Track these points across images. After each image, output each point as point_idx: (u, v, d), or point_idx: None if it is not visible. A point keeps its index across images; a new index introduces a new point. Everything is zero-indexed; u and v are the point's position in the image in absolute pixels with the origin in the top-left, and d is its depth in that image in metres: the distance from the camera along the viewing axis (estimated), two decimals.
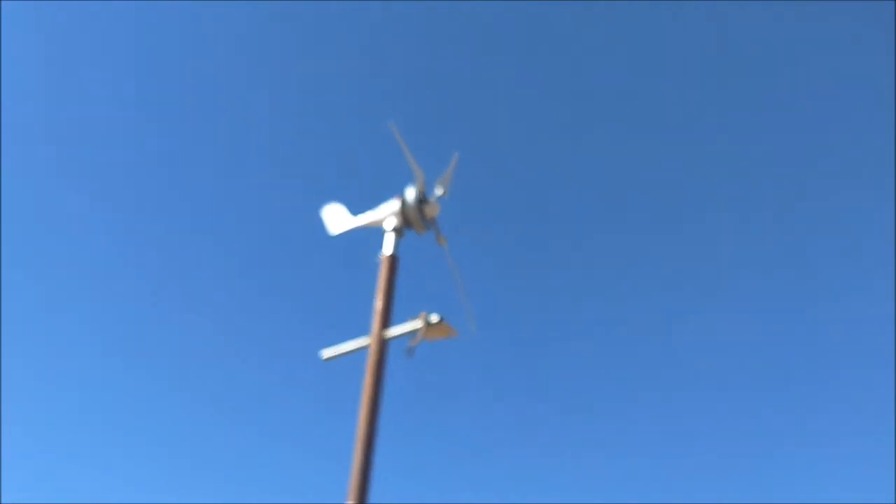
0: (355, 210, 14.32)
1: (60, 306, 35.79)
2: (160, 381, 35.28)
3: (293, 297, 37.02)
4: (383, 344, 12.49)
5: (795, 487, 33.75)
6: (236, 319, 37.11)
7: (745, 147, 39.34)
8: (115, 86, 37.33)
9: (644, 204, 39.51)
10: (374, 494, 11.75)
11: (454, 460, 34.68)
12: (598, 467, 35.42)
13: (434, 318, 12.44)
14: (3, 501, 26.53)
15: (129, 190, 37.28)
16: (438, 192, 13.79)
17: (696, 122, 39.98)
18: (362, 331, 12.81)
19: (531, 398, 36.74)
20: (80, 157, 37.02)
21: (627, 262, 39.38)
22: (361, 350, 12.68)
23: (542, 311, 38.52)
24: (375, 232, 13.77)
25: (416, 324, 12.45)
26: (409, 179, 13.72)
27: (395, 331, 12.58)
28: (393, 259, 13.19)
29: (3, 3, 31.20)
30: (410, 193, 13.52)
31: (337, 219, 14.40)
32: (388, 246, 13.30)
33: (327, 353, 13.06)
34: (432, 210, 13.55)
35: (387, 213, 13.61)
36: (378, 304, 12.81)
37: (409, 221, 13.52)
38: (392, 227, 13.41)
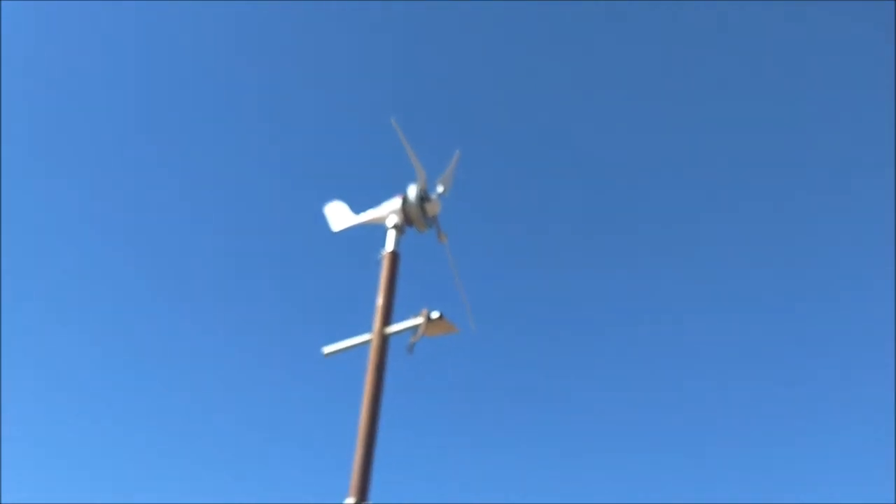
0: (357, 208, 14.44)
1: (60, 304, 35.89)
2: (160, 378, 35.38)
3: (295, 293, 37.15)
4: (384, 340, 12.58)
5: (795, 487, 33.79)
6: (238, 316, 37.21)
7: (745, 145, 39.38)
8: (116, 83, 37.44)
9: (645, 200, 39.58)
10: (375, 490, 11.84)
11: (454, 455, 34.76)
12: (598, 464, 35.47)
13: (435, 314, 12.54)
14: (3, 501, 26.58)
15: (131, 187, 37.39)
16: (440, 189, 13.90)
17: (696, 120, 40.05)
18: (364, 327, 12.92)
19: (531, 394, 36.83)
20: (80, 154, 37.14)
21: (628, 259, 39.45)
22: (363, 346, 12.78)
23: (541, 307, 38.60)
24: (377, 229, 13.88)
25: (417, 320, 12.55)
26: (410, 177, 13.84)
27: (396, 327, 12.68)
28: (394, 256, 13.29)
29: (2, 3, 31.31)
30: (412, 191, 13.62)
31: (339, 216, 14.51)
32: (389, 243, 13.41)
33: (329, 349, 13.16)
34: (433, 208, 13.65)
35: (388, 211, 13.72)
36: (379, 300, 12.91)
37: (410, 219, 13.62)
38: (393, 225, 13.51)
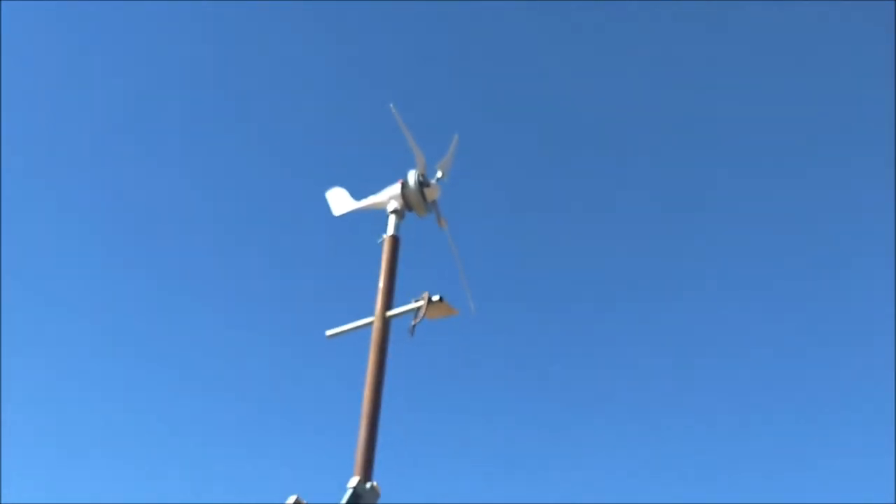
0: (358, 194, 14.65)
1: (60, 300, 36.09)
2: (163, 361, 35.61)
3: (297, 277, 37.39)
4: (386, 322, 12.82)
5: (796, 487, 33.96)
6: (241, 300, 37.45)
7: (743, 144, 39.51)
8: (114, 73, 37.57)
9: (647, 187, 39.74)
10: (379, 469, 12.06)
11: (455, 434, 35.03)
12: (597, 442, 35.72)
13: (435, 297, 12.76)
14: (3, 502, 26.70)
15: (133, 170, 37.55)
16: (439, 174, 14.10)
17: (696, 114, 40.14)
18: (366, 310, 13.15)
19: (531, 375, 37.10)
20: (80, 150, 37.29)
21: (629, 242, 39.63)
22: (365, 328, 13.02)
23: (541, 289, 38.82)
24: (377, 214, 14.09)
25: (418, 303, 12.78)
26: (410, 162, 14.04)
27: (397, 310, 12.91)
28: (395, 240, 13.50)
29: (2, 3, 31.42)
30: (411, 176, 13.82)
31: (340, 202, 14.73)
32: (390, 227, 13.61)
33: (331, 331, 13.40)
34: (433, 192, 13.86)
35: (388, 196, 13.92)
36: (381, 283, 13.14)
37: (410, 204, 13.82)
38: (393, 210, 13.71)
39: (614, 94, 40.51)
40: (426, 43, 40.16)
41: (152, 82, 38.09)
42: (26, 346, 34.67)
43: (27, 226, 35.84)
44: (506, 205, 39.62)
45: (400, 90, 37.70)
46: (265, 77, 39.11)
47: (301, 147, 39.14)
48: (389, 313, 12.90)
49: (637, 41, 39.95)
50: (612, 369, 38.06)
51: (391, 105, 13.78)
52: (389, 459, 12.55)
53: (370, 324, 12.93)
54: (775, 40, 39.28)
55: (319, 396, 36.14)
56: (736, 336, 38.43)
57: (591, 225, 40.17)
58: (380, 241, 13.56)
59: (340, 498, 11.00)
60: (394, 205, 13.75)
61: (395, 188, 13.85)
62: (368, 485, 11.27)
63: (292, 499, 10.92)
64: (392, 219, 13.68)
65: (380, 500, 11.32)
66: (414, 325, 12.71)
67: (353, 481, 11.29)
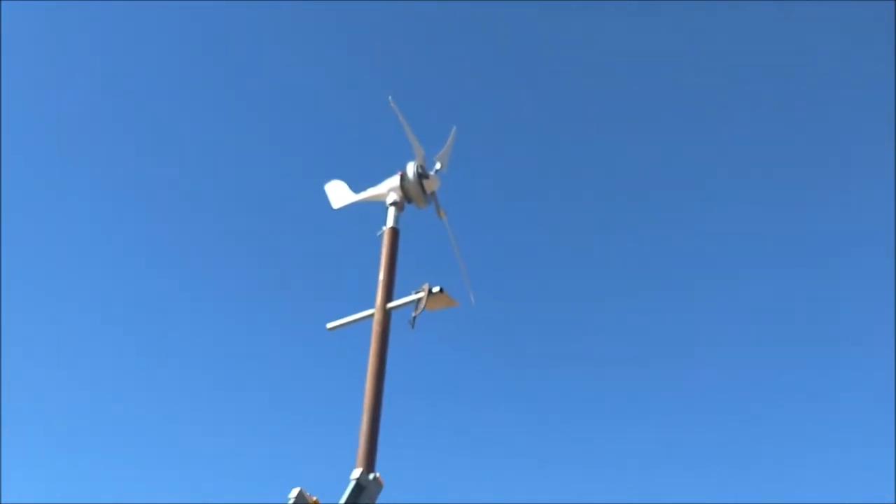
0: (357, 187, 14.65)
1: (60, 300, 36.12)
2: (168, 355, 35.68)
3: (298, 270, 37.44)
4: (387, 314, 12.85)
5: (796, 487, 34.03)
6: (243, 293, 37.52)
7: (743, 146, 39.54)
8: (114, 73, 37.56)
9: (647, 180, 39.78)
10: (381, 460, 12.11)
11: (456, 423, 35.14)
12: (597, 433, 35.81)
13: (436, 289, 12.78)
14: (3, 502, 26.72)
15: (136, 168, 37.56)
16: (438, 166, 14.12)
17: (696, 114, 40.16)
18: (367, 302, 13.18)
19: (530, 365, 37.19)
20: (80, 150, 37.30)
21: (629, 237, 39.68)
22: (366, 320, 13.04)
23: (540, 280, 38.90)
24: (377, 206, 14.10)
25: (419, 295, 12.80)
26: (409, 155, 14.05)
27: (398, 301, 12.94)
28: (394, 232, 13.52)
29: (2, 3, 31.37)
30: (411, 168, 13.83)
31: (339, 194, 14.73)
32: (389, 220, 13.62)
33: (332, 324, 13.42)
34: (432, 184, 13.88)
35: (388, 188, 13.93)
36: (381, 275, 13.16)
37: (409, 196, 13.84)
38: (393, 202, 13.72)
39: (613, 85, 40.52)
40: (425, 36, 40.14)
41: (152, 74, 38.09)
42: (26, 347, 34.72)
43: (26, 225, 35.86)
44: (505, 196, 39.67)
45: (399, 83, 37.67)
46: (263, 71, 39.10)
47: (300, 140, 39.15)
48: (390, 305, 12.93)
49: (636, 35, 39.96)
50: (611, 360, 38.15)
51: (390, 98, 13.80)
52: (392, 451, 12.61)
53: (371, 316, 12.96)
54: (775, 40, 39.29)
55: (321, 389, 36.23)
56: (736, 336, 38.53)
57: (591, 216, 40.23)
58: (379, 233, 13.58)
59: (343, 489, 11.05)
60: (393, 197, 13.76)
61: (395, 180, 13.86)
62: (371, 476, 11.32)
63: (296, 491, 10.96)
64: (391, 211, 13.69)
65: (382, 491, 11.37)
66: (414, 317, 12.75)
67: (356, 472, 11.33)
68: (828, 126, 39.27)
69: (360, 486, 11.12)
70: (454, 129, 14.42)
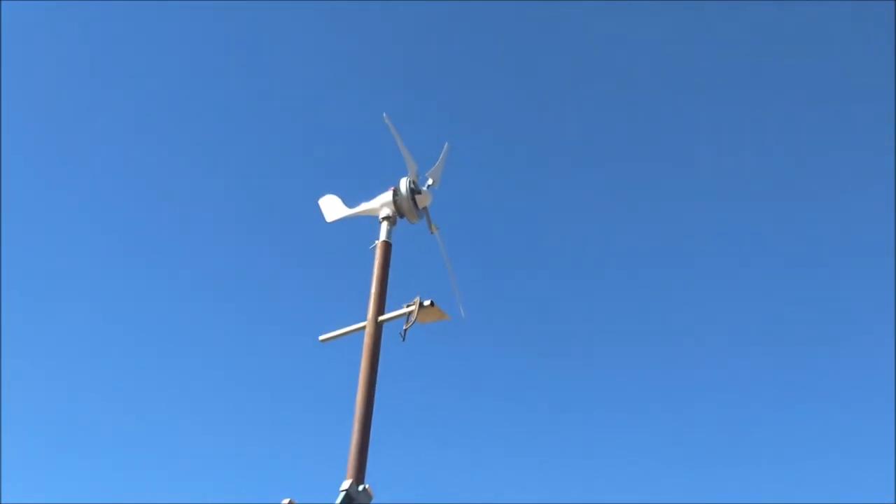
0: (350, 201, 14.82)
1: (60, 301, 36.16)
2: (157, 366, 35.71)
3: (291, 282, 37.54)
4: (378, 327, 13.00)
5: (795, 487, 34.12)
6: (235, 305, 37.58)
7: (742, 147, 39.77)
8: (114, 81, 37.71)
9: (640, 193, 39.98)
10: (371, 472, 12.21)
11: (447, 437, 35.20)
12: (588, 448, 35.88)
13: (427, 302, 12.93)
14: (3, 502, 26.76)
15: (130, 182, 37.67)
16: (430, 182, 14.31)
17: (693, 119, 40.41)
18: (358, 315, 13.32)
19: (521, 379, 37.28)
20: (80, 152, 37.40)
21: (619, 250, 39.85)
22: (357, 333, 13.18)
23: (531, 294, 39.03)
24: (370, 221, 14.27)
25: (410, 308, 12.95)
26: (402, 170, 14.23)
27: (389, 314, 13.08)
28: (387, 245, 13.69)
29: (2, 3, 31.54)
30: (403, 184, 14.01)
31: (332, 208, 14.91)
32: (382, 234, 13.80)
33: (324, 336, 13.56)
34: (424, 199, 14.06)
35: (380, 203, 14.11)
36: (373, 288, 13.32)
37: (401, 211, 14.01)
38: (385, 216, 13.90)
39: (605, 99, 40.77)
40: (419, 52, 40.38)
41: (150, 83, 38.24)
42: (26, 347, 34.78)
43: (26, 225, 35.96)
44: (496, 211, 39.86)
45: (392, 98, 37.91)
46: (255, 86, 39.30)
47: (294, 154, 39.31)
48: (382, 318, 13.08)
49: (631, 38, 40.20)
50: (604, 372, 38.27)
51: (384, 114, 14.00)
52: (382, 462, 12.73)
53: (363, 328, 13.10)
54: (775, 40, 39.56)
55: (312, 400, 36.28)
56: (736, 336, 38.69)
57: (582, 229, 40.40)
58: (372, 246, 13.75)
59: (333, 500, 11.15)
60: (386, 211, 13.95)
61: (387, 195, 14.04)
62: (361, 487, 11.43)
63: (286, 501, 11.07)
64: (384, 225, 13.88)
65: (372, 503, 11.48)
66: (405, 330, 12.89)
67: (346, 484, 11.43)
68: (828, 126, 39.56)
69: (349, 498, 11.23)
70: (447, 145, 14.62)
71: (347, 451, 12.13)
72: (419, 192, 14.03)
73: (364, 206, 14.39)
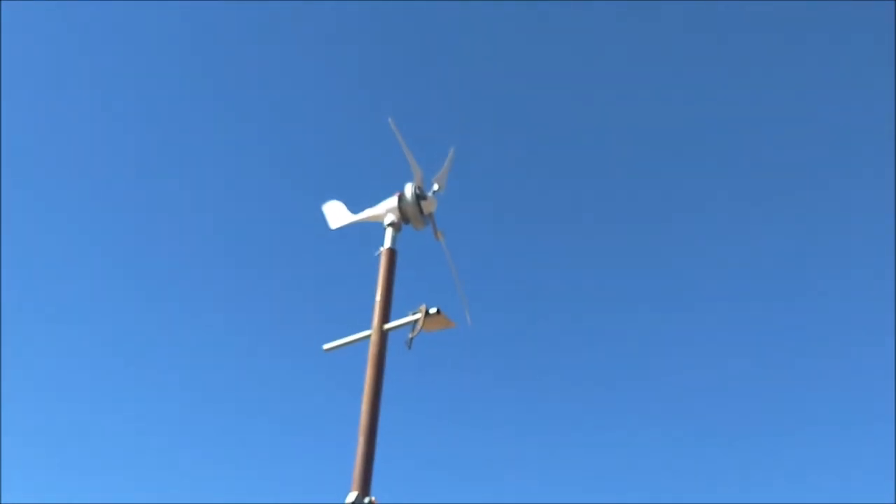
0: (355, 207, 14.66)
1: (61, 306, 36.03)
2: (161, 375, 35.55)
3: (295, 289, 37.40)
4: (383, 335, 12.81)
5: (795, 487, 33.98)
6: (239, 313, 37.41)
7: (742, 146, 39.62)
8: (114, 84, 37.58)
9: (642, 198, 39.82)
10: (377, 484, 12.05)
11: (453, 447, 35.00)
12: (594, 457, 35.71)
13: (433, 310, 12.76)
14: (3, 502, 26.71)
15: (131, 188, 37.54)
16: (435, 187, 14.13)
17: (694, 121, 40.27)
18: (363, 323, 13.15)
19: (527, 387, 37.09)
20: (80, 156, 37.27)
21: (625, 254, 39.69)
22: (362, 341, 13.01)
23: (537, 301, 38.85)
24: (374, 227, 14.11)
25: (416, 316, 12.78)
26: (407, 176, 14.06)
27: (394, 322, 12.90)
28: (392, 252, 13.52)
29: (2, 2, 31.42)
30: (408, 189, 13.84)
31: (337, 214, 14.74)
32: (387, 240, 13.63)
33: (329, 345, 13.39)
34: (429, 205, 13.88)
35: (385, 209, 13.94)
36: (378, 296, 13.14)
37: (407, 217, 13.85)
38: (390, 223, 13.74)
39: (611, 104, 40.62)
40: (424, 56, 40.23)
41: (151, 87, 38.11)
42: (26, 347, 34.67)
43: (26, 227, 35.84)
44: (502, 217, 39.70)
45: (397, 103, 37.76)
46: (261, 91, 39.15)
47: (298, 160, 39.17)
48: (387, 326, 12.90)
49: (633, 40, 40.09)
50: (609, 379, 38.07)
51: (390, 119, 13.83)
52: (388, 473, 12.54)
53: (368, 337, 12.93)
54: (775, 40, 39.44)
55: (317, 410, 36.11)
56: (735, 336, 38.54)
57: (587, 236, 40.23)
58: (377, 253, 13.58)
59: None
60: (391, 218, 13.77)
61: (392, 201, 13.87)
62: (366, 499, 11.26)
63: (353, 494, 10.91)
64: (389, 232, 13.70)
65: None
66: (411, 338, 12.71)
67: (352, 496, 11.28)
68: (828, 126, 39.45)
69: None
70: (452, 150, 14.45)
71: (353, 462, 11.96)
72: (424, 198, 13.85)
73: (369, 213, 14.22)
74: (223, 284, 37.88)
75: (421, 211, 13.78)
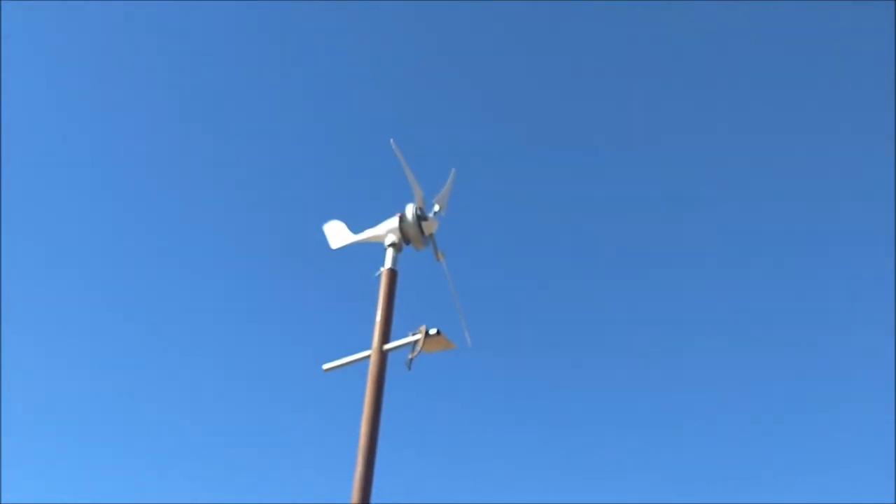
0: (356, 227, 14.67)
1: (61, 309, 36.01)
2: (161, 393, 35.48)
3: (295, 309, 37.37)
4: (383, 356, 12.79)
5: (795, 487, 33.86)
6: (239, 332, 37.37)
7: (742, 147, 39.67)
8: (116, 88, 37.69)
9: (644, 216, 39.84)
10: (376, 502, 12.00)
11: (453, 467, 34.87)
12: (596, 476, 35.56)
13: (433, 331, 12.75)
14: (3, 502, 26.64)
15: (131, 206, 37.59)
16: (436, 208, 14.15)
17: (694, 125, 40.34)
18: (363, 343, 13.13)
19: (528, 408, 37.00)
20: (80, 160, 37.35)
21: (626, 273, 39.65)
22: (362, 362, 12.99)
23: (537, 323, 38.81)
24: (375, 247, 14.11)
25: (416, 336, 12.76)
26: (408, 196, 14.09)
27: (394, 343, 12.88)
28: (392, 273, 13.51)
29: (2, 2, 31.55)
30: (409, 210, 13.86)
31: (337, 235, 14.74)
32: (387, 261, 13.63)
33: (328, 365, 13.36)
34: (430, 226, 13.89)
35: (386, 230, 13.95)
36: (378, 316, 13.13)
37: (407, 237, 13.85)
38: (391, 243, 13.74)
39: (616, 121, 40.71)
40: (425, 78, 40.37)
41: (152, 102, 38.24)
42: (26, 347, 34.64)
43: (27, 226, 35.88)
44: (502, 239, 39.71)
45: (399, 124, 37.88)
46: (262, 109, 39.28)
47: (299, 181, 39.24)
48: (387, 347, 12.88)
49: (635, 43, 40.19)
50: (610, 399, 37.97)
51: (391, 140, 13.86)
52: (386, 494, 12.49)
53: (367, 357, 12.90)
54: (775, 40, 39.55)
55: (316, 431, 36.00)
56: (735, 337, 38.49)
57: (589, 257, 40.22)
58: (377, 274, 13.58)
59: None
60: (391, 238, 13.78)
61: (393, 222, 13.88)
62: None
63: None
64: (390, 252, 13.71)
65: None
66: (411, 359, 12.69)
67: None
68: (827, 126, 39.52)
69: None
70: (453, 171, 14.47)
71: (351, 483, 11.91)
72: (425, 219, 13.87)
73: (369, 233, 14.23)
74: (223, 303, 37.86)
75: (422, 232, 13.79)
